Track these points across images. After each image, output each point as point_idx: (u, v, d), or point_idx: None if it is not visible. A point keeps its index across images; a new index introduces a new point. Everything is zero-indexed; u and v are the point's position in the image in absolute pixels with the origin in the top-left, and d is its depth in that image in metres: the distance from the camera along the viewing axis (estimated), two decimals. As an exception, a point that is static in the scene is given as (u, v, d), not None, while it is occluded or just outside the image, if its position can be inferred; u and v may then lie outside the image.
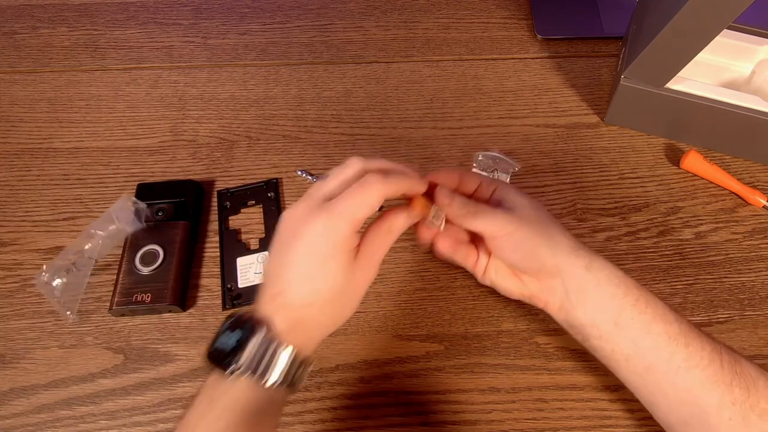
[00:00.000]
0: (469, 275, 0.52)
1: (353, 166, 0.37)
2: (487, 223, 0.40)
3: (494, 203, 0.43)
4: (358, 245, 0.37)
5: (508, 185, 0.44)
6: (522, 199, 0.42)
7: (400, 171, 0.38)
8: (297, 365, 0.35)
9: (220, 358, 0.34)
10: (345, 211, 0.34)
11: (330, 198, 0.35)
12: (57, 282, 0.50)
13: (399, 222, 0.38)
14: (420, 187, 0.39)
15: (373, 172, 0.35)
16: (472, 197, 0.44)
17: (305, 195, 0.37)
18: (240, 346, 0.34)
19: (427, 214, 0.40)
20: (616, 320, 0.39)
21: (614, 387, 0.47)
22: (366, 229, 0.39)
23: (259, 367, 0.34)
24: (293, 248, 0.35)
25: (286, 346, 0.35)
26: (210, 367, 0.35)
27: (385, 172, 0.36)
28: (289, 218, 0.37)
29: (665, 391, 0.38)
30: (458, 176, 0.43)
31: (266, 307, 0.36)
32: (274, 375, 0.34)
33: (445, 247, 0.44)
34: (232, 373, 0.34)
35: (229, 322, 0.36)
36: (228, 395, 0.34)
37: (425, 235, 0.43)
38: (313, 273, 0.35)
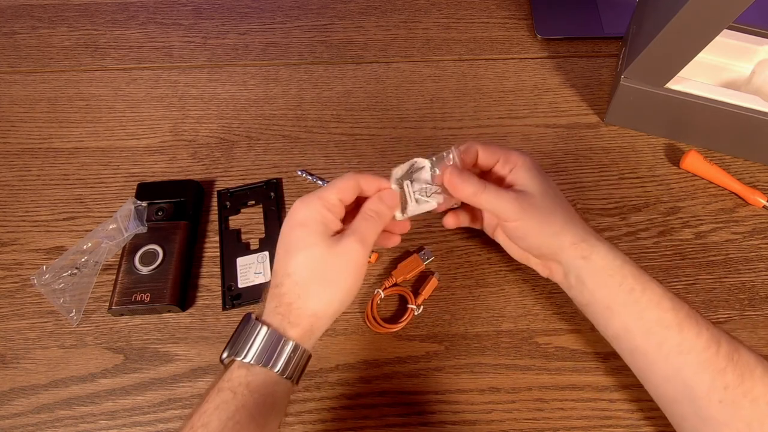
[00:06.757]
0: (469, 275, 0.52)
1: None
2: (494, 207, 0.42)
3: (508, 184, 0.44)
4: (343, 228, 0.41)
5: (526, 163, 0.44)
6: (534, 182, 0.43)
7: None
8: (296, 357, 0.38)
9: (232, 353, 0.38)
10: (317, 192, 0.40)
11: None
12: (60, 283, 0.51)
13: (382, 207, 0.42)
14: (388, 185, 0.43)
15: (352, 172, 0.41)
16: (490, 173, 0.45)
17: None
18: (250, 341, 0.38)
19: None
20: (608, 305, 0.41)
21: (614, 387, 0.47)
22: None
23: (263, 357, 0.37)
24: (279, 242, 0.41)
25: (287, 340, 0.38)
26: (224, 363, 0.39)
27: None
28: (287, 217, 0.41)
29: (654, 370, 0.40)
30: (477, 151, 0.45)
31: (270, 301, 0.40)
32: (278, 365, 0.38)
33: (449, 222, 0.49)
34: (239, 360, 0.37)
35: (241, 321, 0.40)
36: (235, 380, 0.37)
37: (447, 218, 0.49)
38: (293, 262, 0.39)
